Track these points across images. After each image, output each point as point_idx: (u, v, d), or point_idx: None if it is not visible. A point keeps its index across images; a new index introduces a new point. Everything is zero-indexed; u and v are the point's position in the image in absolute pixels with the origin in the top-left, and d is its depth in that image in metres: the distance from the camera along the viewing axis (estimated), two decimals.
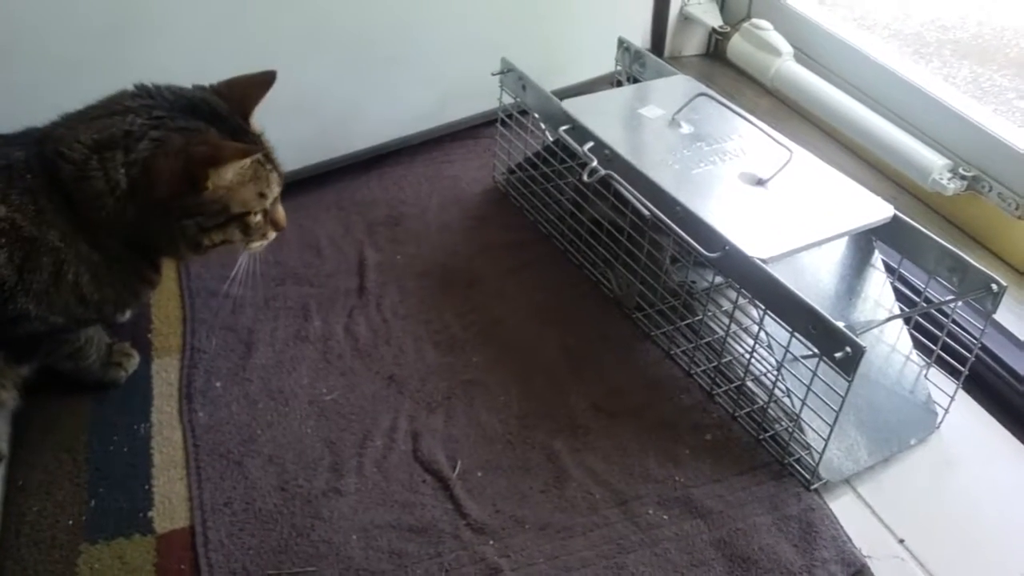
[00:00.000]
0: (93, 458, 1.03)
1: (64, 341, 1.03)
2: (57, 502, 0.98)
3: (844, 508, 1.02)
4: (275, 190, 1.00)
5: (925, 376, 1.13)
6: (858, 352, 0.92)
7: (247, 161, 0.93)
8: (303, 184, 1.44)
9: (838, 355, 0.94)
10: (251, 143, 0.96)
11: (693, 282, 1.20)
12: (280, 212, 1.03)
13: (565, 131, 1.26)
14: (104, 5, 1.15)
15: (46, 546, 0.94)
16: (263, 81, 0.99)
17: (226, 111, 0.96)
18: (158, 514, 0.98)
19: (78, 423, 1.07)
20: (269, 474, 1.02)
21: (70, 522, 0.96)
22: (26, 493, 0.99)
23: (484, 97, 1.46)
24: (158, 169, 0.90)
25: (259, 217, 0.99)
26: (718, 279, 1.14)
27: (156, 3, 1.19)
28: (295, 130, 1.32)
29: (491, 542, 0.96)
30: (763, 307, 1.03)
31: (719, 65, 1.86)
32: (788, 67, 1.68)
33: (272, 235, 1.03)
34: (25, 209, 0.90)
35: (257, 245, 1.02)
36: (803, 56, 1.70)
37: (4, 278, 0.90)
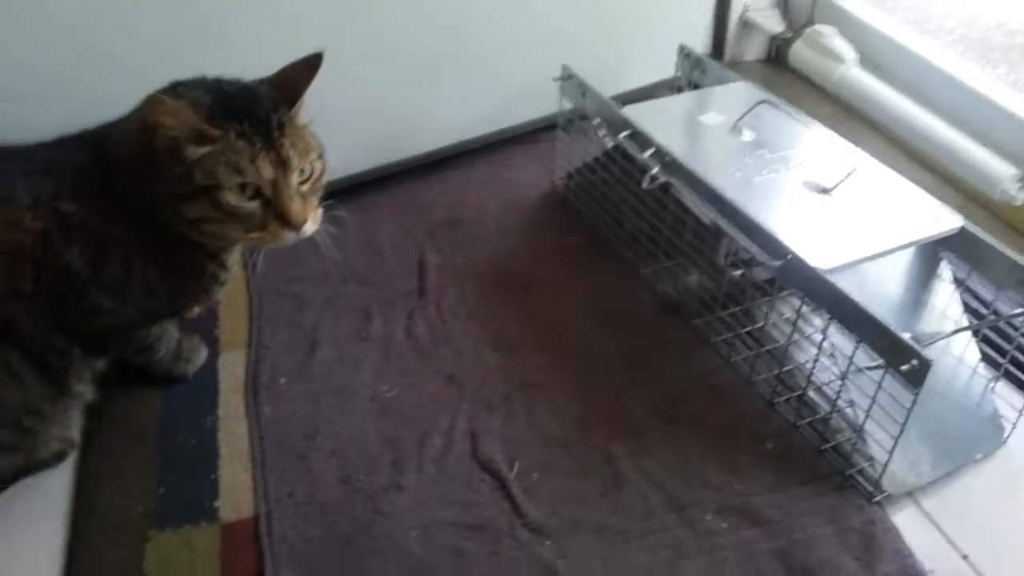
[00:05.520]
0: (162, 448, 1.06)
1: (135, 337, 1.06)
2: (127, 490, 1.02)
3: (906, 522, 1.00)
4: (265, 172, 0.91)
5: (992, 390, 1.11)
6: (925, 365, 0.91)
7: (183, 118, 0.87)
8: (365, 186, 1.46)
9: (904, 367, 0.93)
10: (253, 125, 0.92)
11: (753, 283, 1.19)
12: (287, 205, 0.93)
13: (625, 137, 1.27)
14: (169, 17, 1.18)
15: (116, 531, 0.97)
16: (309, 65, 0.97)
17: (266, 102, 0.94)
18: (224, 504, 1.00)
19: (148, 415, 1.10)
20: (331, 468, 1.04)
21: (139, 509, 0.99)
22: (98, 481, 1.02)
23: (544, 101, 1.47)
24: (135, 130, 0.92)
25: (240, 200, 0.91)
26: (776, 284, 1.14)
27: (222, 15, 1.22)
28: (357, 134, 1.35)
29: (548, 543, 0.97)
30: (828, 317, 1.02)
31: (780, 71, 1.85)
32: (852, 73, 1.66)
33: (285, 235, 0.95)
34: (93, 205, 0.93)
35: (257, 237, 0.95)
36: (867, 62, 1.68)
37: (78, 271, 0.93)
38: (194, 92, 0.92)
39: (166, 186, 0.91)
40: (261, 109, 0.93)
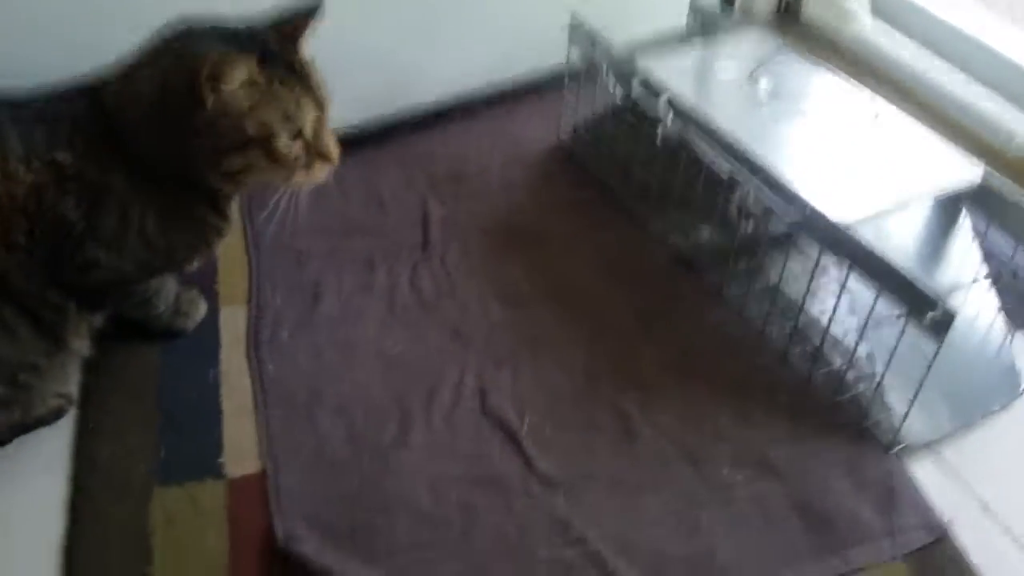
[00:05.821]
0: (163, 404, 1.04)
1: (133, 291, 1.03)
2: (128, 446, 0.99)
3: (925, 473, 0.99)
4: (309, 114, 0.92)
5: (1010, 342, 1.09)
6: (949, 315, 0.88)
7: (244, 74, 0.87)
8: (367, 138, 1.42)
9: (928, 318, 0.90)
10: (285, 70, 0.91)
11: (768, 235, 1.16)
12: (326, 142, 0.95)
13: (637, 88, 1.23)
14: None
15: (119, 488, 0.95)
16: (308, 11, 0.94)
17: (273, 44, 0.92)
18: (229, 460, 0.98)
19: (148, 370, 1.07)
20: (338, 424, 1.02)
21: (141, 465, 0.97)
22: (98, 437, 1.00)
23: (549, 53, 1.43)
24: (166, 84, 0.89)
25: (289, 144, 0.92)
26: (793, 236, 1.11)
27: None
28: (359, 85, 1.30)
29: (561, 496, 0.95)
30: (848, 268, 1.00)
31: (790, 24, 1.80)
32: (866, 26, 1.62)
33: (322, 170, 0.97)
34: (89, 156, 0.90)
35: (302, 179, 0.96)
36: (879, 14, 1.65)
37: (73, 223, 0.90)
38: (207, 41, 0.89)
39: (210, 141, 0.89)
40: (273, 51, 0.91)
